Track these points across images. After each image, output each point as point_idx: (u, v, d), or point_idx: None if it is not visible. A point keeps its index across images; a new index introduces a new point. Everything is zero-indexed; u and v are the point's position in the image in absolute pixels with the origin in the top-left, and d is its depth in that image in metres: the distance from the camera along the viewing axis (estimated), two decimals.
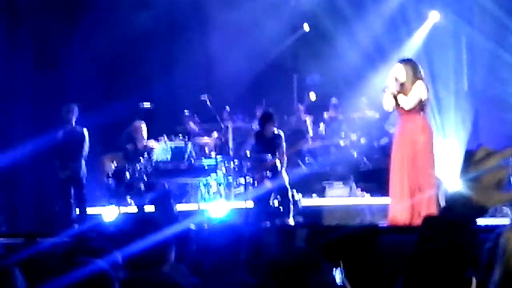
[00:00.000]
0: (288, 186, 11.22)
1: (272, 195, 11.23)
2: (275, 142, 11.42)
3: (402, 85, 9.03)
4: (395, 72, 9.12)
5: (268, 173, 11.28)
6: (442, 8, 14.91)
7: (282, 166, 11.36)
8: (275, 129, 11.55)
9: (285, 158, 11.53)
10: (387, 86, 9.09)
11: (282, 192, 11.15)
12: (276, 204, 11.22)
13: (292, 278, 2.55)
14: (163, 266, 4.20)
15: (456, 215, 1.89)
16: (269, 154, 11.35)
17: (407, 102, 8.99)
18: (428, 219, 1.96)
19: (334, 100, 14.75)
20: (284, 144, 11.51)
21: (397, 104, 9.10)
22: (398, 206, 9.03)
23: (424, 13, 15.11)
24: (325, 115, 14.65)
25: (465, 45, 14.70)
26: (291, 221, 10.98)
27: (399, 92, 9.02)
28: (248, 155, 12.00)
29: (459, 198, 1.90)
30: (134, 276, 3.76)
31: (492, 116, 13.70)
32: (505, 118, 13.36)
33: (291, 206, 11.10)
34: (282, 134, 11.63)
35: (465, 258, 1.91)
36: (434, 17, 15.05)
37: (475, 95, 14.30)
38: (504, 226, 3.09)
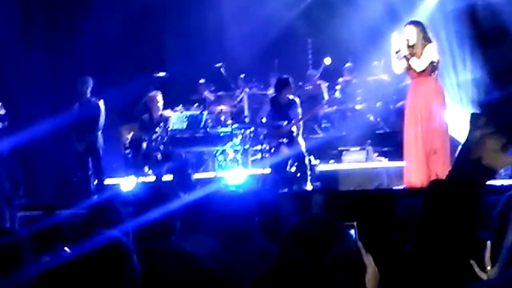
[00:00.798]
0: (305, 152, 11.22)
1: (289, 161, 11.23)
2: (290, 108, 11.41)
3: (412, 47, 9.02)
4: (406, 34, 9.10)
5: (285, 140, 11.28)
6: None
7: (298, 133, 11.35)
8: (291, 95, 11.53)
9: (301, 124, 11.52)
10: (399, 49, 9.07)
11: (298, 158, 11.15)
12: (293, 170, 11.22)
13: (315, 246, 2.55)
14: (170, 237, 4.21)
15: (465, 177, 1.89)
16: (285, 121, 11.34)
17: (419, 64, 8.97)
18: (433, 185, 1.96)
19: (348, 64, 14.67)
20: (300, 110, 11.49)
21: (409, 66, 9.09)
22: (414, 169, 9.04)
23: None
24: (340, 79, 14.57)
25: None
26: (308, 187, 11.00)
27: (410, 55, 9.01)
28: (264, 122, 12.00)
29: (467, 160, 1.90)
30: (144, 247, 3.77)
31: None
32: None
33: (308, 172, 11.11)
34: (297, 100, 11.60)
35: (476, 220, 1.91)
36: None
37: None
38: None
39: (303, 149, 11.23)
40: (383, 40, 14.00)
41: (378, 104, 14.03)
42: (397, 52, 9.09)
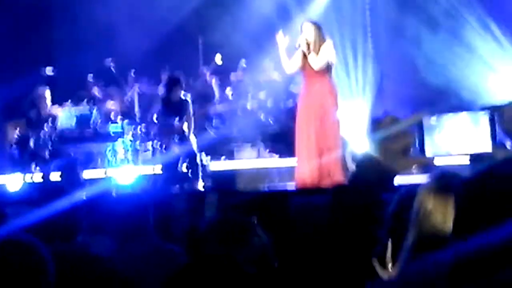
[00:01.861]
0: (197, 151, 11.16)
1: (180, 160, 11.16)
2: (182, 106, 11.31)
3: (309, 44, 9.09)
4: (303, 31, 9.16)
5: (176, 138, 11.19)
6: None
7: (190, 131, 11.28)
8: (182, 93, 11.44)
9: (193, 121, 11.45)
10: (299, 44, 9.13)
11: (190, 156, 11.09)
12: (185, 169, 11.16)
13: (229, 244, 2.54)
14: (75, 236, 4.13)
15: (366, 180, 1.89)
16: (176, 118, 11.24)
17: (317, 61, 9.04)
18: (337, 189, 1.97)
19: (243, 63, 14.64)
20: (191, 108, 11.42)
21: (303, 65, 9.16)
22: (306, 167, 9.11)
23: None
24: (232, 77, 14.56)
25: (368, 7, 14.85)
26: (200, 186, 10.95)
27: (308, 52, 9.08)
28: (155, 120, 11.88)
29: (368, 162, 1.90)
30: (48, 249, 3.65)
31: (396, 77, 13.90)
32: (409, 79, 13.57)
33: (200, 170, 11.06)
34: (189, 98, 11.53)
35: (375, 220, 1.93)
36: None
37: (380, 56, 14.47)
38: (405, 186, 3.13)
39: (195, 147, 11.17)
40: (274, 39, 14.13)
41: (269, 102, 14.11)
42: (297, 48, 9.13)
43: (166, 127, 11.35)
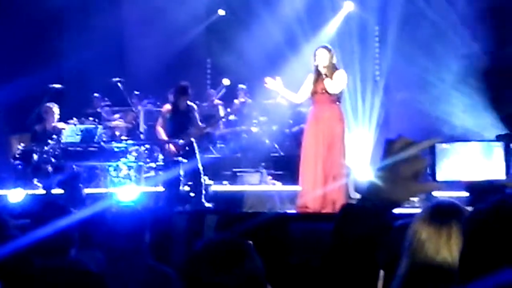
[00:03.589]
0: (201, 169, 11.14)
1: (183, 179, 11.15)
2: (189, 113, 11.26)
3: (323, 68, 9.13)
4: (318, 57, 9.20)
5: (180, 158, 11.16)
6: None
7: (195, 147, 11.23)
8: (188, 102, 11.39)
9: (201, 129, 11.43)
10: (316, 68, 9.17)
11: (195, 174, 11.06)
12: (188, 188, 11.15)
13: (223, 266, 2.53)
14: (70, 251, 4.12)
15: (373, 205, 1.88)
16: (186, 126, 11.15)
17: (333, 86, 9.07)
18: (346, 208, 1.96)
19: (242, 86, 14.66)
20: (198, 116, 11.39)
21: (314, 90, 9.19)
22: (310, 193, 9.09)
23: (338, 3, 15.27)
24: (236, 101, 14.59)
25: (378, 34, 14.93)
26: (202, 206, 10.91)
27: (323, 76, 9.12)
28: (161, 137, 11.66)
29: (373, 189, 1.89)
30: (41, 263, 3.66)
31: (404, 105, 13.90)
32: (417, 107, 13.56)
33: (202, 191, 11.03)
34: (195, 106, 11.52)
35: (377, 245, 1.92)
36: (348, 7, 15.23)
37: (387, 85, 14.50)
38: (398, 220, 3.13)
39: (200, 166, 11.14)
40: (282, 64, 14.19)
41: (274, 127, 14.13)
42: (316, 70, 9.17)
43: (173, 143, 11.25)
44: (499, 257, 1.58)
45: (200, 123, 11.40)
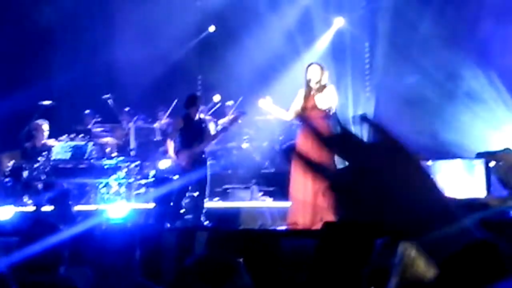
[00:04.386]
0: (208, 180, 10.95)
1: (174, 195, 11.08)
2: (201, 126, 11.12)
3: (315, 84, 9.17)
4: (310, 72, 9.24)
5: (194, 164, 10.91)
6: (347, 14, 15.17)
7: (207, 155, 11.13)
8: (201, 114, 11.27)
9: (212, 139, 11.35)
10: (309, 80, 9.22)
11: (202, 186, 10.88)
12: (177, 205, 11.08)
13: (213, 283, 2.52)
14: (59, 268, 4.10)
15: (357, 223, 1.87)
16: (199, 136, 10.98)
17: (324, 101, 9.10)
18: (328, 225, 1.96)
19: (229, 103, 14.62)
20: (209, 128, 11.27)
21: (304, 106, 9.21)
22: (300, 210, 9.08)
23: (329, 19, 15.32)
24: (226, 118, 14.55)
25: (368, 50, 14.98)
26: (201, 219, 10.78)
27: (314, 92, 9.16)
28: (170, 152, 11.45)
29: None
30: (30, 280, 3.64)
31: (392, 120, 13.93)
32: (405, 124, 13.57)
33: (198, 208, 10.85)
34: (207, 117, 11.44)
35: (362, 260, 1.91)
36: (338, 23, 15.28)
37: (377, 99, 14.54)
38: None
39: (208, 175, 10.98)
40: (272, 80, 14.22)
41: (265, 143, 14.12)
42: (308, 86, 9.22)
43: (186, 152, 11.07)
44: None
45: (211, 136, 11.27)
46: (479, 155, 10.46)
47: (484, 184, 9.69)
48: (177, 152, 10.99)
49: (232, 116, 11.94)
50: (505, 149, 10.42)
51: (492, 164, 9.67)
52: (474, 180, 9.71)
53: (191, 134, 11.00)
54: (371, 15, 14.80)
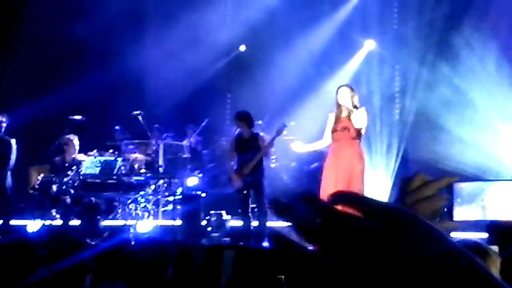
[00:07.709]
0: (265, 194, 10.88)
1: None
2: (253, 143, 10.99)
3: (346, 106, 9.20)
4: (340, 94, 9.27)
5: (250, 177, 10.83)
6: (377, 37, 15.15)
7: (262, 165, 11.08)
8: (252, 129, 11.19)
9: (269, 150, 11.27)
10: (338, 105, 9.25)
11: (260, 196, 10.82)
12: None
13: None
14: (84, 282, 4.11)
15: None
16: (251, 153, 10.88)
17: (358, 121, 9.11)
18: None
19: (259, 122, 14.60)
20: (263, 143, 11.11)
21: (335, 128, 9.23)
22: None
23: (359, 42, 15.32)
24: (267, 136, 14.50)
25: (398, 73, 14.95)
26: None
27: (345, 114, 9.20)
28: (231, 171, 11.36)
29: None
30: None
31: (422, 145, 13.85)
32: (431, 147, 13.49)
33: (266, 210, 10.65)
34: (261, 134, 11.31)
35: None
36: (369, 45, 15.28)
37: (406, 124, 14.46)
38: None
39: (265, 189, 10.92)
40: (301, 99, 14.22)
41: (293, 164, 14.10)
42: (338, 108, 9.25)
43: (242, 167, 10.98)
44: None
45: (266, 151, 11.10)
46: None
47: None
48: (235, 171, 10.91)
49: (276, 129, 11.87)
50: None
51: None
52: None
53: (243, 153, 10.90)
54: (401, 37, 14.78)
